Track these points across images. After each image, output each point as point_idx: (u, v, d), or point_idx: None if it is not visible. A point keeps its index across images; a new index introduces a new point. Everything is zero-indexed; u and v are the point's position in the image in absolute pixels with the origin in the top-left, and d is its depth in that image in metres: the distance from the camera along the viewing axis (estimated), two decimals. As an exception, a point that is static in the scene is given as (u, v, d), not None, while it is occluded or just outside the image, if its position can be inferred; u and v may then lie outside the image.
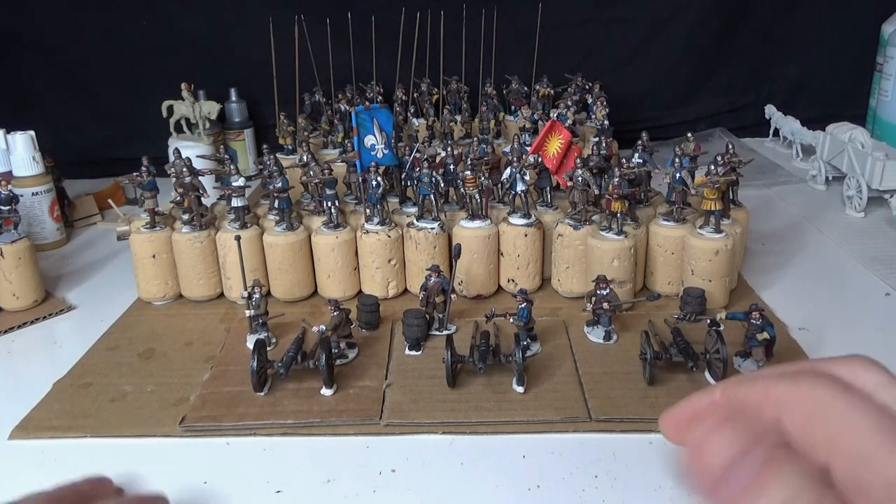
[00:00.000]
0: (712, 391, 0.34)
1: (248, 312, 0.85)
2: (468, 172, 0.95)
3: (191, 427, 0.71)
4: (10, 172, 1.20)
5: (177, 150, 1.00)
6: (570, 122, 1.13)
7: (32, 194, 1.19)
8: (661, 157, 1.18)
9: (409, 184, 1.02)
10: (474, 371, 0.76)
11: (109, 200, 1.23)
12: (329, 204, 0.96)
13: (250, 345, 0.83)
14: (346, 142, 1.22)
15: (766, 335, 0.75)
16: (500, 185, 1.02)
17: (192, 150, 1.19)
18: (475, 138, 1.05)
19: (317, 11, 1.35)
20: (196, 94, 1.40)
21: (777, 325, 0.81)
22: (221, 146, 1.34)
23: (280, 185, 0.96)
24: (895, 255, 1.09)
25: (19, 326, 0.95)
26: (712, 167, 0.89)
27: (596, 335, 0.85)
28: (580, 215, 0.94)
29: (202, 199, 0.97)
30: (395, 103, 1.39)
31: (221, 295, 1.00)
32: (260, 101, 1.57)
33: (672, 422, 0.34)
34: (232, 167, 0.99)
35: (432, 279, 0.86)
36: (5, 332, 0.94)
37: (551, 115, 1.22)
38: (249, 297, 0.84)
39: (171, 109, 1.35)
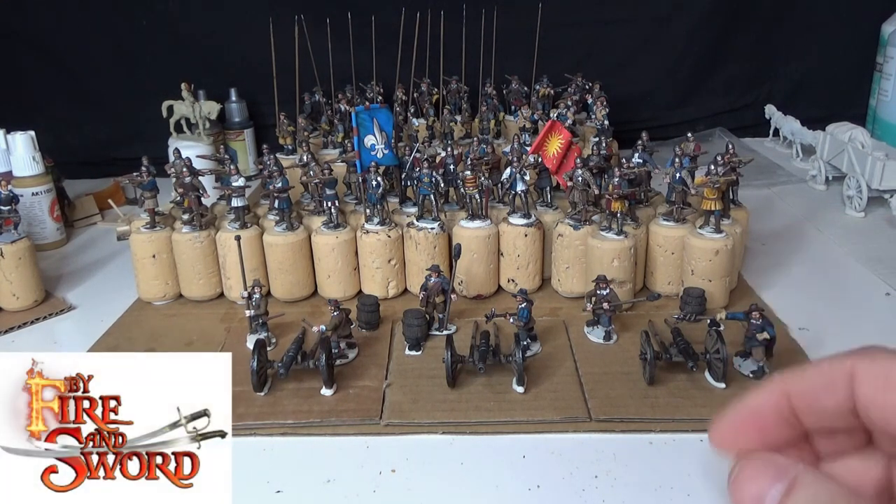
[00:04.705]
0: (765, 394, 0.34)
1: (248, 312, 0.85)
2: (468, 172, 0.95)
3: (191, 427, 0.71)
4: (10, 172, 1.20)
5: (177, 150, 1.01)
6: (570, 122, 1.13)
7: (32, 194, 1.19)
8: (661, 157, 1.18)
9: (409, 184, 1.02)
10: (474, 371, 0.76)
11: (109, 200, 1.24)
12: (329, 204, 0.96)
13: (250, 345, 0.83)
14: (346, 142, 1.22)
15: (766, 335, 0.75)
16: (500, 185, 1.02)
17: (192, 150, 1.19)
18: (475, 138, 1.05)
19: (317, 11, 1.35)
20: (196, 94, 1.40)
21: (777, 325, 0.81)
22: (221, 146, 1.34)
23: (280, 185, 0.96)
24: (895, 255, 1.09)
25: (19, 326, 0.95)
26: (712, 167, 0.89)
27: (596, 335, 0.85)
28: (580, 215, 0.94)
29: (202, 199, 0.97)
30: (395, 103, 1.39)
31: (221, 295, 1.00)
32: (260, 101, 1.58)
33: (723, 432, 0.34)
34: (232, 167, 0.99)
35: (432, 279, 0.86)
36: (5, 332, 0.94)
37: (551, 115, 1.22)
38: (249, 297, 0.84)
39: (171, 109, 1.35)
